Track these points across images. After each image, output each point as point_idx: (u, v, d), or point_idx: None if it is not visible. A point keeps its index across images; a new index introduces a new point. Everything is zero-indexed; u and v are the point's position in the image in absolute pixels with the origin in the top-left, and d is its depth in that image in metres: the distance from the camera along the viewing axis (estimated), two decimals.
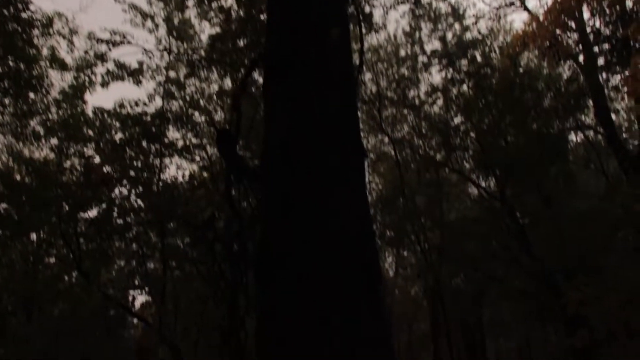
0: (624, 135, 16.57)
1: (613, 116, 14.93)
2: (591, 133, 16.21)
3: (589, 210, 11.59)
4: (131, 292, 16.80)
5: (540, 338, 28.23)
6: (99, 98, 40.43)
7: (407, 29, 17.26)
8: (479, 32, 16.01)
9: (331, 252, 2.67)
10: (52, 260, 13.97)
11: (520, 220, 14.06)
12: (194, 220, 11.78)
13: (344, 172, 3.00)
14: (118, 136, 13.38)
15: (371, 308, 2.72)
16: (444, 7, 16.77)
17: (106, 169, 12.91)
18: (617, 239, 11.42)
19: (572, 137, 17.58)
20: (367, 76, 17.33)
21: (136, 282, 15.72)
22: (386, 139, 18.72)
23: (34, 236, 13.67)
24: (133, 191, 13.53)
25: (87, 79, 13.44)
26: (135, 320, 16.90)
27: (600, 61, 12.60)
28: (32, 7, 10.25)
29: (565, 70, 14.67)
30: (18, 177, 12.60)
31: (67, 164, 12.95)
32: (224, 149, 5.40)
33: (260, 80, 8.96)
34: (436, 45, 16.70)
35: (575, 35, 12.95)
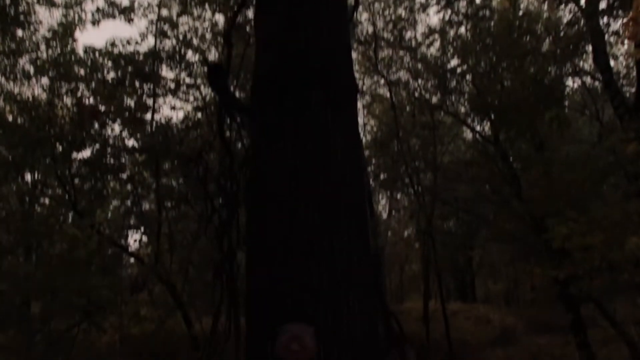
0: (622, 82, 16.46)
1: (612, 62, 14.80)
2: (588, 79, 16.11)
3: (580, 156, 11.68)
4: (127, 232, 17.03)
5: (526, 279, 28.94)
6: (91, 37, 39.63)
7: None
8: None
9: (322, 186, 2.70)
10: (48, 201, 14.04)
11: (513, 165, 14.17)
12: (186, 157, 11.81)
13: (335, 106, 3.00)
14: (110, 75, 13.21)
15: (360, 240, 2.78)
16: None
17: (99, 107, 12.81)
18: (606, 184, 11.57)
19: (569, 82, 17.49)
20: (364, 16, 17.01)
21: (131, 222, 15.91)
22: (382, 81, 18.55)
23: (28, 177, 13.71)
24: (126, 131, 13.50)
25: (76, 16, 13.13)
26: (131, 260, 17.14)
27: (602, 4, 12.37)
28: None
29: (566, 14, 14.41)
30: (10, 118, 12.49)
31: (59, 103, 12.81)
32: (215, 84, 5.36)
33: (252, 16, 8.80)
34: None
35: None
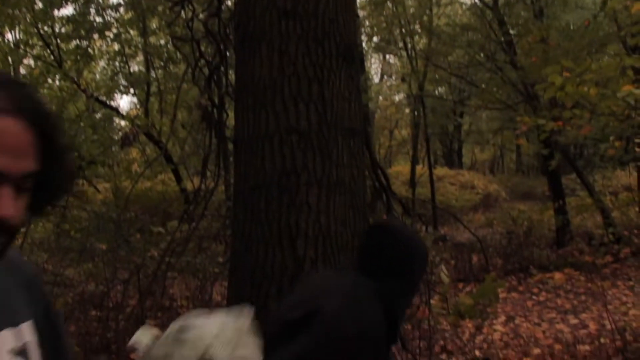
0: None
1: None
2: None
3: (580, 25, 11.38)
4: (117, 94, 16.84)
5: (513, 149, 29.45)
6: None
7: None
8: None
9: (312, 28, 2.64)
10: (32, 62, 13.65)
11: (510, 31, 13.79)
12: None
13: None
14: None
15: (351, 87, 2.77)
16: None
17: None
18: (604, 56, 11.39)
19: None
20: None
21: (120, 84, 15.67)
22: None
23: (9, 37, 13.25)
24: None
25: None
26: (122, 123, 17.07)
27: None
28: None
29: None
30: None
31: None
32: None
33: None
34: None
35: None
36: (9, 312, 0.86)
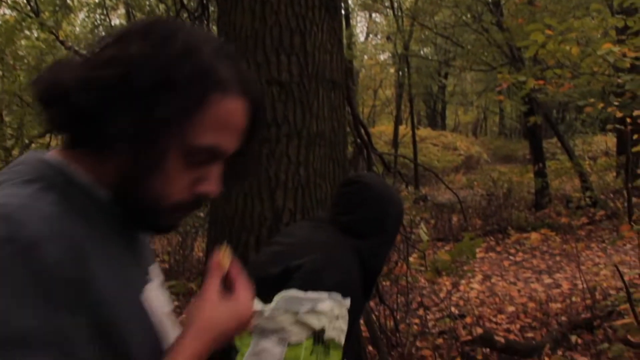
0: None
1: None
2: None
3: None
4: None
5: (496, 112, 29.55)
6: None
7: None
8: None
9: None
10: (9, 13, 13.22)
11: None
12: None
13: None
14: None
15: (334, 40, 2.74)
16: None
17: None
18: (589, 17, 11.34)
19: None
20: None
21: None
22: None
23: None
24: None
25: None
26: None
27: None
28: None
29: None
30: None
31: None
32: None
33: None
34: None
35: None
36: (150, 253, 0.97)
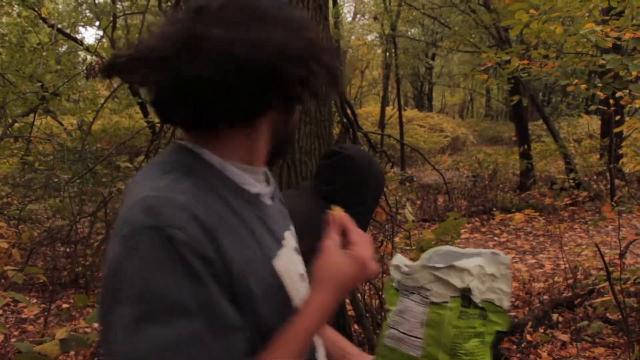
0: None
1: None
2: None
3: None
4: (81, 27, 16.17)
5: (483, 94, 29.62)
6: None
7: None
8: None
9: None
10: None
11: None
12: None
13: None
14: None
15: (316, 13, 2.71)
16: None
17: None
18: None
19: None
20: None
21: (85, 15, 15.02)
22: None
23: None
24: None
25: None
26: (88, 58, 16.49)
27: None
28: None
29: None
30: None
31: None
32: None
33: None
34: None
35: None
36: (285, 218, 1.14)
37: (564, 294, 4.87)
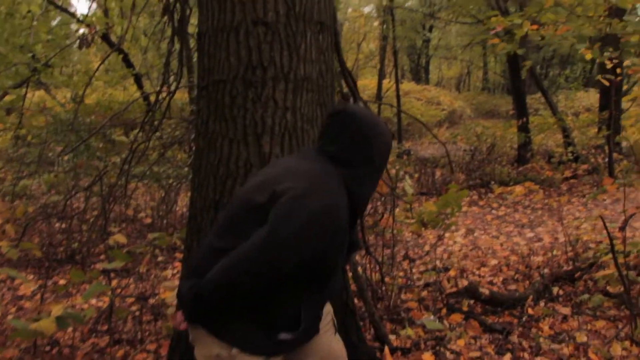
0: None
1: None
2: None
3: None
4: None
5: (480, 67, 29.41)
6: None
7: None
8: None
9: None
10: None
11: None
12: None
13: None
14: None
15: None
16: None
17: None
18: None
19: None
20: None
21: None
22: None
23: None
24: None
25: None
26: (81, 31, 16.18)
27: None
28: None
29: None
30: None
31: None
32: None
33: None
34: None
35: None
36: None
37: (564, 268, 4.83)
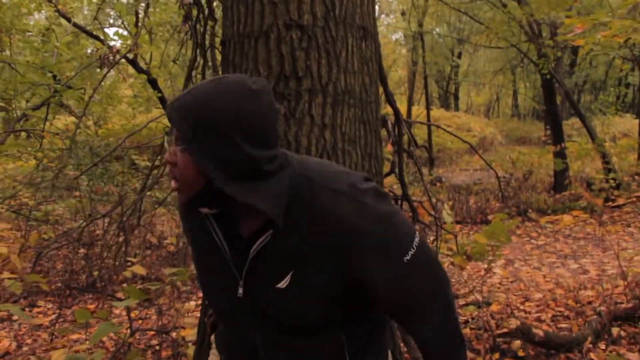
0: None
1: None
2: None
3: None
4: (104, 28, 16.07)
5: (509, 93, 29.02)
6: None
7: None
8: None
9: None
10: None
11: None
12: None
13: None
14: None
15: None
16: None
17: None
18: None
19: None
20: None
21: (109, 18, 14.87)
22: None
23: None
24: None
25: None
26: (111, 57, 16.31)
27: None
28: None
29: None
30: None
31: None
32: None
33: None
34: None
35: None
36: None
37: (623, 305, 4.39)
